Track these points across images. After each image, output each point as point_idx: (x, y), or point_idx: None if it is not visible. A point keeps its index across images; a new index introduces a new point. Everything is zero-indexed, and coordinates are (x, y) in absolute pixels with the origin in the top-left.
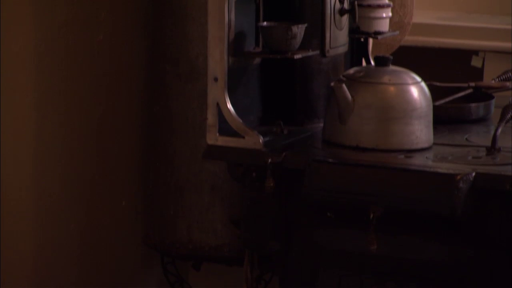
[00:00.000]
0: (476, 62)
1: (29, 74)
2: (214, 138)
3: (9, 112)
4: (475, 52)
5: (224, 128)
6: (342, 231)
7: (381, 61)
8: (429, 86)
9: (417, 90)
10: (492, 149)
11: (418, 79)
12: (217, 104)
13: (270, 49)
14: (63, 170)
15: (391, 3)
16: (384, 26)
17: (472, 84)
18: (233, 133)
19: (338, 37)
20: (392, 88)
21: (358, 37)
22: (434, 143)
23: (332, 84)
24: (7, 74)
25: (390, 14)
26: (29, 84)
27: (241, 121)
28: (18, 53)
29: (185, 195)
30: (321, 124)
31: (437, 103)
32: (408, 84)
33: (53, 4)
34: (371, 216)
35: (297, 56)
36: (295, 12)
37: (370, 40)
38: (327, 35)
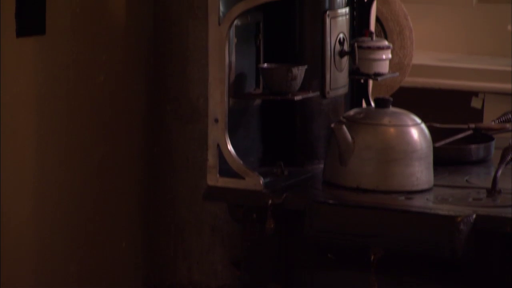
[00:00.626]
0: (476, 103)
1: (30, 116)
2: (214, 179)
3: (10, 153)
4: (475, 93)
5: (225, 169)
6: (343, 273)
7: (381, 103)
8: (429, 127)
9: (417, 131)
10: (493, 191)
11: (418, 120)
12: (218, 145)
13: (270, 90)
14: (63, 211)
15: (391, 45)
16: (384, 67)
17: (472, 125)
18: (234, 174)
19: (338, 79)
20: (392, 130)
21: (358, 79)
22: (435, 185)
23: (332, 125)
24: (8, 116)
25: (390, 56)
26: (29, 126)
27: (241, 162)
28: (19, 95)
29: (185, 236)
30: (322, 165)
31: (437, 144)
32: (408, 125)
33: (55, 46)
34: (372, 257)
35: (297, 98)
36: (295, 54)
37: (370, 82)
38: (327, 76)
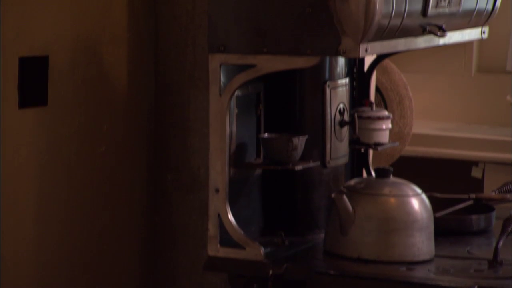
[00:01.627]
0: (476, 173)
1: (30, 187)
2: (215, 249)
3: (11, 224)
4: (475, 163)
5: (225, 239)
6: None
7: (382, 173)
8: (429, 197)
9: (417, 202)
10: (494, 262)
11: (419, 191)
12: (218, 215)
13: (271, 160)
14: (64, 284)
15: (391, 115)
16: (384, 137)
17: (473, 195)
18: (234, 244)
19: (338, 148)
20: (393, 200)
21: (359, 148)
22: (436, 255)
23: (333, 195)
24: (9, 188)
25: (390, 125)
26: (30, 196)
27: (242, 232)
28: (20, 166)
29: None
30: (322, 235)
31: (438, 214)
32: (409, 196)
33: (57, 117)
34: None
35: (298, 168)
36: (295, 124)
37: (371, 151)
38: (328, 146)
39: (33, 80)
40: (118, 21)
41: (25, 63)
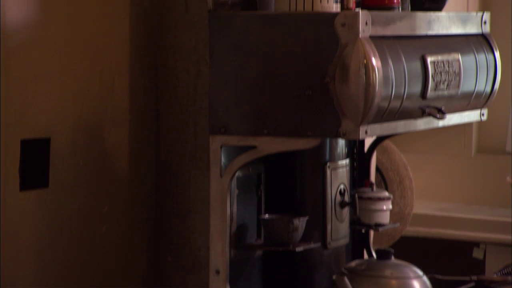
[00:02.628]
0: (477, 253)
1: (30, 269)
2: None
3: None
4: (476, 243)
5: None
6: None
7: (383, 254)
8: (431, 279)
9: (419, 284)
10: None
11: (420, 273)
12: None
13: (271, 241)
14: None
15: (391, 196)
16: (384, 218)
17: (474, 277)
18: None
19: (339, 229)
20: (394, 282)
21: (359, 229)
22: None
23: (334, 277)
24: (9, 269)
25: (390, 206)
26: (29, 279)
27: None
28: (19, 249)
29: None
30: None
31: None
32: (410, 278)
33: (58, 198)
34: None
35: (298, 249)
36: (296, 205)
37: (371, 232)
38: (328, 227)
39: (35, 162)
40: (119, 102)
41: (26, 145)
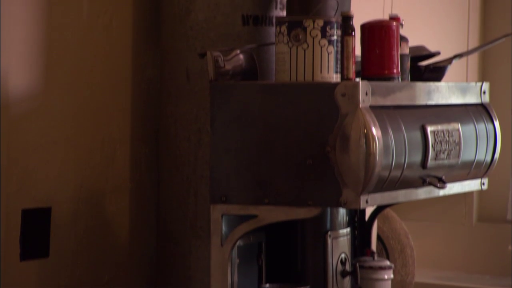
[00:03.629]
0: None
1: None
2: None
3: None
4: None
5: None
6: None
7: None
8: None
9: None
10: None
11: None
12: None
13: None
14: None
15: (393, 265)
16: (386, 287)
17: None
18: None
19: None
20: None
21: None
22: None
23: None
24: None
25: (392, 275)
26: None
27: None
28: None
29: None
30: None
31: None
32: None
33: (58, 268)
34: None
35: None
36: (297, 273)
37: None
38: None
39: (35, 232)
40: (120, 171)
41: (27, 215)
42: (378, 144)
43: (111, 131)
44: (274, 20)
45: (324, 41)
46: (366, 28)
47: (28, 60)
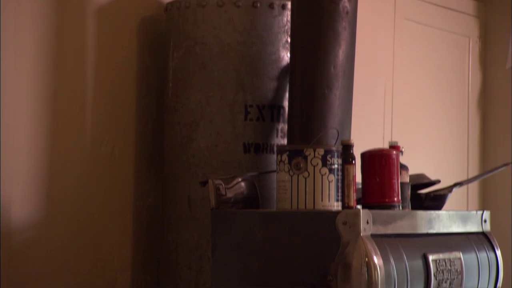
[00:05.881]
0: None
1: None
2: None
3: None
4: None
5: None
6: None
7: None
8: None
9: None
10: None
11: None
12: None
13: None
14: None
15: None
16: None
17: None
18: None
19: None
20: None
21: None
22: None
23: None
24: None
25: None
26: None
27: None
28: None
29: None
30: None
31: None
32: None
33: None
34: None
35: None
36: None
37: None
38: None
39: None
40: None
41: None
42: (379, 273)
43: (112, 258)
44: (275, 148)
45: (325, 170)
46: (367, 156)
47: (30, 189)
